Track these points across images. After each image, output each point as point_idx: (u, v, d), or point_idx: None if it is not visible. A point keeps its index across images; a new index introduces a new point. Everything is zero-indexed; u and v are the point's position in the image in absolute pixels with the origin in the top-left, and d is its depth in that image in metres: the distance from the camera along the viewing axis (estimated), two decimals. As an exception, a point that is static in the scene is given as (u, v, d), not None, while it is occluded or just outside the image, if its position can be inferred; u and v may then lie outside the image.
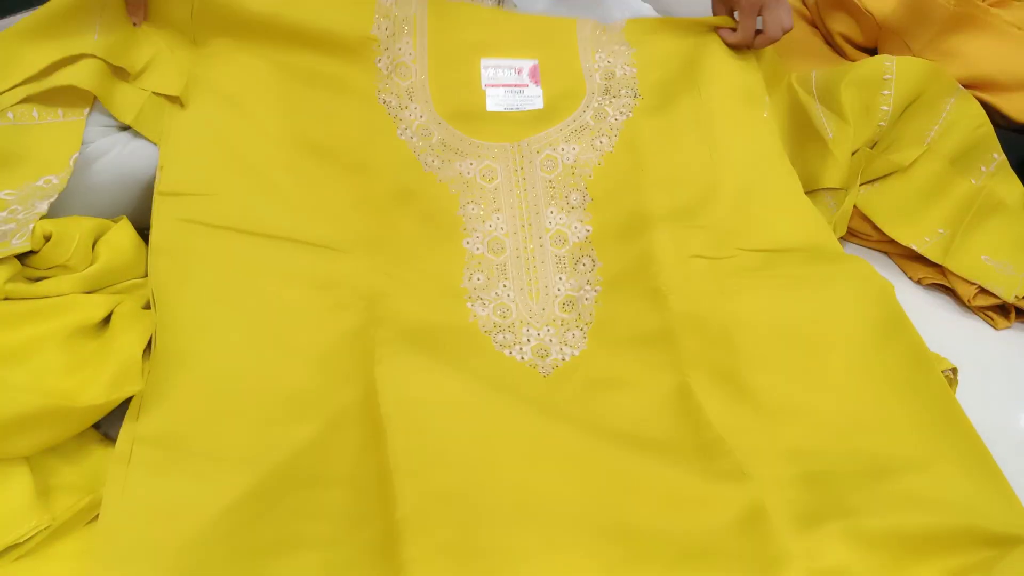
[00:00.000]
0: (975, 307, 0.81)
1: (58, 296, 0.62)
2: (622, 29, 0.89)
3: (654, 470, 0.60)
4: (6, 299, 0.60)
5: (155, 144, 0.71)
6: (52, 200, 0.63)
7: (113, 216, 0.70)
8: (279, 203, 0.71)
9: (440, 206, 0.77)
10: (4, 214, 0.62)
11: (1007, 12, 0.95)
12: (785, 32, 0.85)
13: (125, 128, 0.72)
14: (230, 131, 0.74)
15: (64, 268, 0.64)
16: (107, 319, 0.63)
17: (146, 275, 0.68)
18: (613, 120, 0.83)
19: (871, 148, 0.86)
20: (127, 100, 0.71)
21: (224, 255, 0.68)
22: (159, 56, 0.74)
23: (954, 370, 0.68)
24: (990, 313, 0.81)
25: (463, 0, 0.87)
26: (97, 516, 0.55)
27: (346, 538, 0.56)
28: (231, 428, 0.60)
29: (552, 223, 0.77)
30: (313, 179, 0.74)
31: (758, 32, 0.86)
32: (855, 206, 0.86)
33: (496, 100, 0.84)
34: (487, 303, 0.73)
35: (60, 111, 0.68)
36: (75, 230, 0.64)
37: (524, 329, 0.71)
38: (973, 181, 0.85)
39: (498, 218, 0.77)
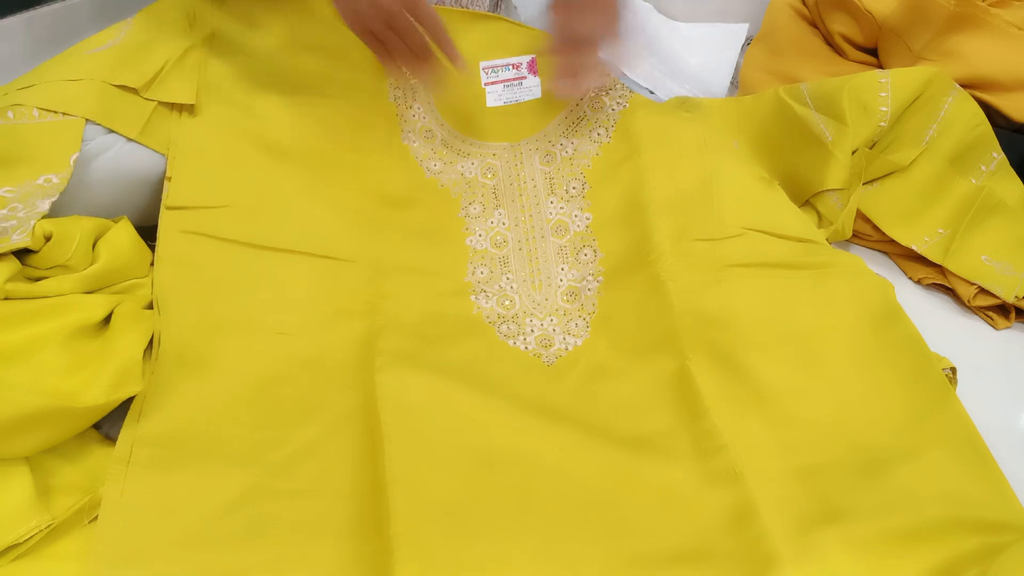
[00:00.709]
0: (975, 307, 0.81)
1: (58, 296, 0.62)
2: None
3: (649, 473, 0.60)
4: (6, 299, 0.60)
5: (161, 153, 0.72)
6: (54, 199, 0.63)
7: (112, 214, 0.70)
8: (284, 216, 0.72)
9: (442, 210, 0.78)
10: (4, 211, 0.62)
11: (1007, 12, 0.95)
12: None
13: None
14: (239, 141, 0.74)
15: (64, 268, 0.64)
16: (107, 319, 0.63)
17: (146, 275, 0.68)
18: (610, 111, 0.84)
19: (870, 148, 0.86)
20: (132, 113, 0.71)
21: (228, 266, 0.68)
22: (169, 65, 0.74)
23: (953, 370, 0.68)
24: (990, 313, 0.81)
25: (462, 8, 0.88)
26: (97, 516, 0.55)
27: (341, 554, 0.56)
28: (231, 431, 0.60)
29: (552, 213, 0.78)
30: (318, 189, 0.75)
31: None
32: (855, 206, 0.86)
33: (495, 96, 0.84)
34: (491, 295, 0.73)
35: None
36: (75, 230, 0.64)
37: (528, 319, 0.72)
38: (973, 181, 0.85)
39: (499, 213, 0.78)
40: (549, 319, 0.72)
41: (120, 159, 0.70)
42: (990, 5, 0.95)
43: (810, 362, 0.67)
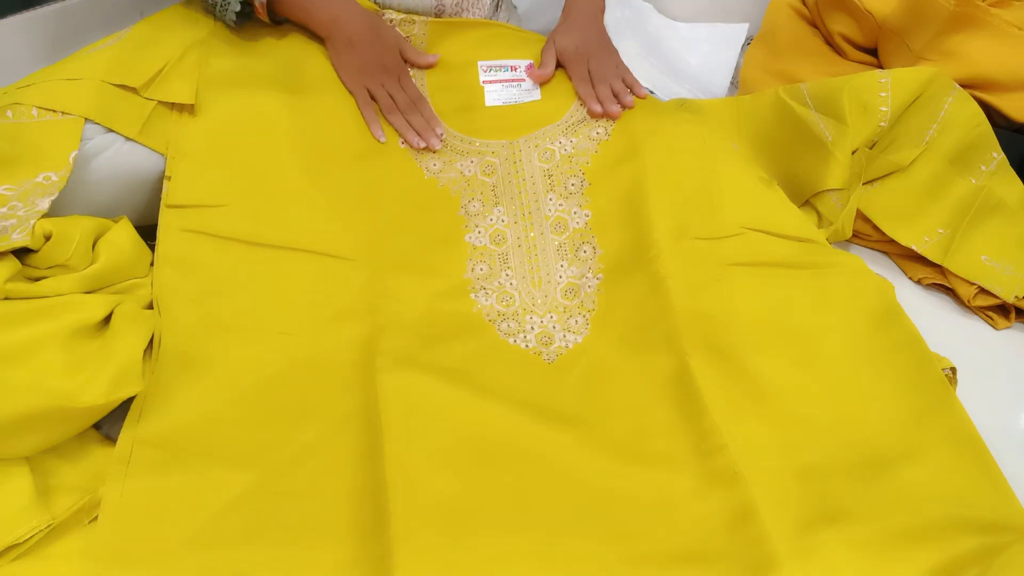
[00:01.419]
0: (975, 307, 0.81)
1: (58, 296, 0.62)
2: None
3: (649, 473, 0.60)
4: (6, 299, 0.60)
5: (160, 153, 0.72)
6: (53, 198, 0.63)
7: (112, 213, 0.70)
8: (284, 214, 0.72)
9: (442, 209, 0.78)
10: (4, 210, 0.62)
11: (1007, 12, 0.95)
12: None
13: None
14: (238, 141, 0.74)
15: (64, 268, 0.64)
16: (107, 319, 0.63)
17: (146, 275, 0.68)
18: None
19: (870, 148, 0.86)
20: (131, 112, 0.71)
21: (228, 264, 0.69)
22: (169, 65, 0.74)
23: (953, 370, 0.68)
24: (990, 313, 0.81)
25: (464, 9, 0.89)
26: (97, 516, 0.55)
27: (341, 555, 0.56)
28: (231, 432, 0.60)
29: (552, 210, 0.78)
30: (317, 188, 0.75)
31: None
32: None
33: (494, 95, 0.84)
34: (490, 292, 0.73)
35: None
36: (75, 229, 0.64)
37: (528, 317, 0.72)
38: (973, 181, 0.85)
39: (499, 211, 0.78)
40: (549, 316, 0.72)
41: (119, 158, 0.70)
42: (990, 5, 0.95)
43: (810, 362, 0.67)
